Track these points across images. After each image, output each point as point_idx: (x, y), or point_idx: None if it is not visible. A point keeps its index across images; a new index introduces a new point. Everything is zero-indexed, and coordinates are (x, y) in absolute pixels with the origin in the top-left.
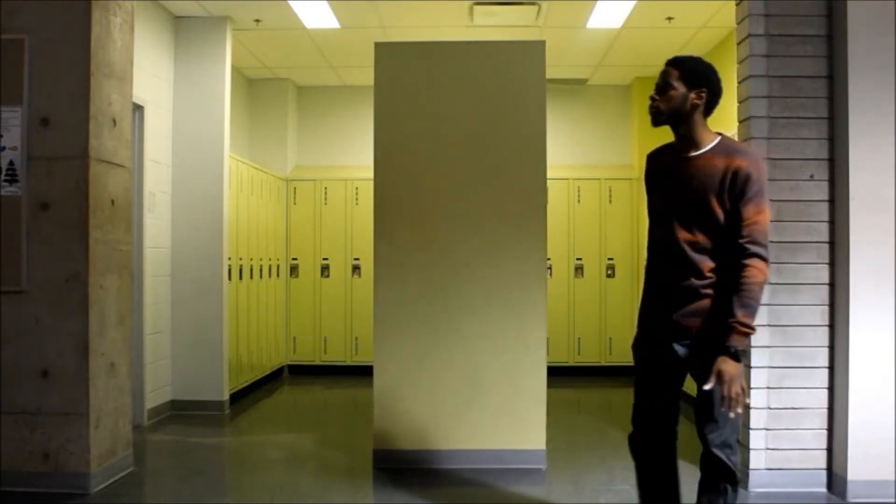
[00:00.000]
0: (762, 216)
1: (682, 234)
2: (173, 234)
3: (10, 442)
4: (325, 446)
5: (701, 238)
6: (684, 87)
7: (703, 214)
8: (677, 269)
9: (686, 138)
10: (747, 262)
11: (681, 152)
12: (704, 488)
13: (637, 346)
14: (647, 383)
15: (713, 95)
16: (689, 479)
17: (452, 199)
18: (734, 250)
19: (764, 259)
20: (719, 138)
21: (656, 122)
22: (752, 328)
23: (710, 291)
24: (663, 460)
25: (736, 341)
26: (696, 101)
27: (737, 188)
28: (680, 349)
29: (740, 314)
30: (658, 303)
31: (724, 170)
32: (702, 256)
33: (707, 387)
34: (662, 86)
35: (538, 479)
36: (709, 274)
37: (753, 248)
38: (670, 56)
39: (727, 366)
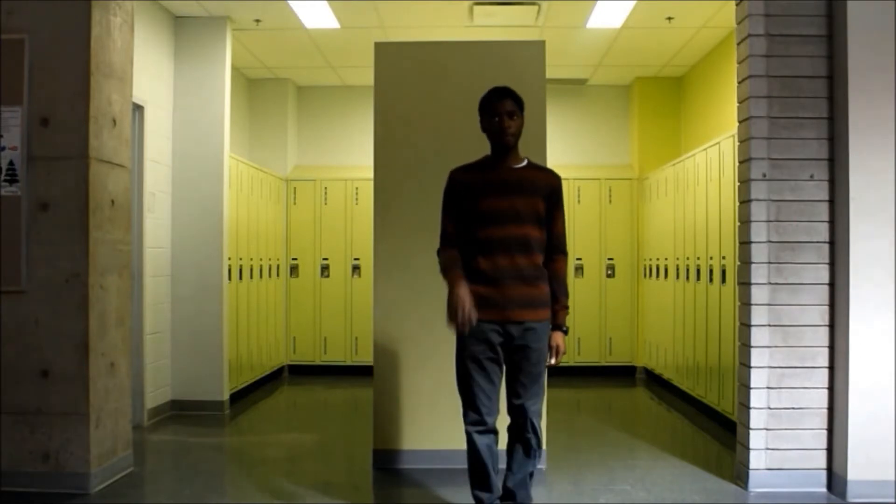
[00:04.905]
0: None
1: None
2: (173, 234)
3: (10, 442)
4: (325, 446)
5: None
6: (521, 113)
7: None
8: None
9: (516, 153)
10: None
11: (510, 164)
12: (527, 453)
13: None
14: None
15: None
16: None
17: None
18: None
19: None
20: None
21: (515, 141)
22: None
23: None
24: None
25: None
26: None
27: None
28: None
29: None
30: None
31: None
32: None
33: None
34: (514, 112)
35: (538, 478)
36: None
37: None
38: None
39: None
